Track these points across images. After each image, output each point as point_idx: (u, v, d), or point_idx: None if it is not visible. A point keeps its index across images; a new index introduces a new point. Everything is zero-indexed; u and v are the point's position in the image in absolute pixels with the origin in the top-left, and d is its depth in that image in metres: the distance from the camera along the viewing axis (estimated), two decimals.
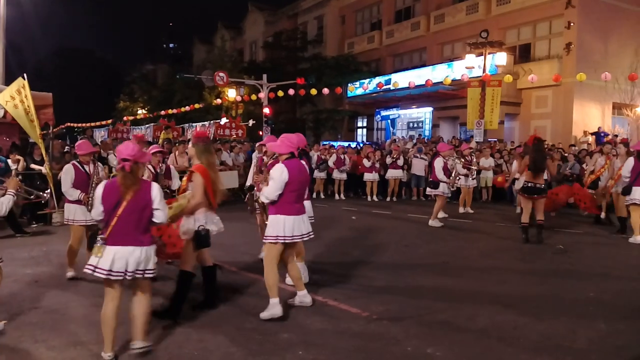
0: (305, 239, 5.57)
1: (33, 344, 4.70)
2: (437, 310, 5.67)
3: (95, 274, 4.23)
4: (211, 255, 8.17)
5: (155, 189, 4.40)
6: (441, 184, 11.29)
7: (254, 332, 4.96)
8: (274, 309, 5.25)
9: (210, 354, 4.49)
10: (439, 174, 11.24)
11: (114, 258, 4.20)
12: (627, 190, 9.49)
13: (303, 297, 5.69)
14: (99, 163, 7.37)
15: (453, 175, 11.50)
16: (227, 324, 5.19)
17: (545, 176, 10.06)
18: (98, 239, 4.27)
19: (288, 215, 5.30)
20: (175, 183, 7.77)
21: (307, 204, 6.67)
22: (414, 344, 4.71)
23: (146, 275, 4.35)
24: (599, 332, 5.04)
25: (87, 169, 6.92)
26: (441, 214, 12.08)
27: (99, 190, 4.37)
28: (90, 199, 6.59)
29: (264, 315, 5.25)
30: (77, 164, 6.96)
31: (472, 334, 4.97)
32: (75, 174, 6.84)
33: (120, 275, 4.22)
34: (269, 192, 5.25)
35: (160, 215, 4.38)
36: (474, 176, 13.58)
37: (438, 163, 11.36)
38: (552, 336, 4.90)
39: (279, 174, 5.19)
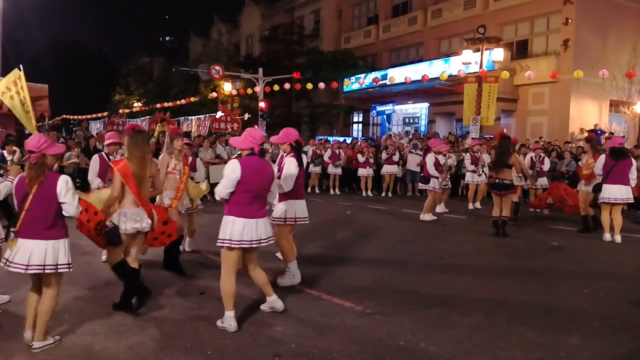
0: (262, 244, 5.02)
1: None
2: (430, 305, 5.68)
3: (9, 268, 4.26)
4: (207, 247, 8.24)
5: (61, 183, 4.25)
6: (432, 179, 11.52)
7: (248, 325, 4.96)
8: (227, 322, 4.85)
9: (204, 346, 4.48)
10: (430, 169, 11.45)
11: (19, 250, 4.21)
12: (597, 188, 9.45)
13: (274, 302, 5.27)
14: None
15: (445, 170, 11.75)
16: (221, 317, 5.16)
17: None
18: (10, 232, 4.27)
19: (238, 217, 4.84)
20: (199, 175, 7.96)
21: (300, 203, 6.20)
22: (407, 338, 4.72)
23: (59, 270, 4.30)
24: (593, 328, 5.05)
25: (111, 159, 7.12)
26: (441, 209, 12.46)
27: (15, 182, 4.41)
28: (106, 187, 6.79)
29: (218, 324, 4.91)
30: (103, 154, 7.34)
31: (466, 330, 4.97)
32: (100, 164, 7.18)
33: (21, 268, 4.20)
34: (219, 190, 4.88)
35: (68, 209, 4.27)
36: (481, 172, 13.36)
37: (429, 159, 11.57)
38: (546, 332, 4.91)
39: (230, 171, 4.80)
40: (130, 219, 5.12)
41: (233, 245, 4.85)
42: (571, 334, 4.87)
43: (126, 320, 5.02)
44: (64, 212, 4.28)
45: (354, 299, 5.77)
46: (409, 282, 6.64)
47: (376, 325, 5.05)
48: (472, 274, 7.12)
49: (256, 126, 24.06)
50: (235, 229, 4.82)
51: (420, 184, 12.57)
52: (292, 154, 5.97)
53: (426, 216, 11.55)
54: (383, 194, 16.26)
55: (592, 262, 7.92)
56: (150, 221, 5.26)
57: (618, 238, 9.31)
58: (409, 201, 14.98)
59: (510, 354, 4.43)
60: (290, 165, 5.84)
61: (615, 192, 9.13)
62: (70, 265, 4.37)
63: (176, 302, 5.57)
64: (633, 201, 9.36)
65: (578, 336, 4.82)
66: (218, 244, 4.94)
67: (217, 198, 5.01)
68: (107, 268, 5.72)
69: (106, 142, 7.44)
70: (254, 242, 4.91)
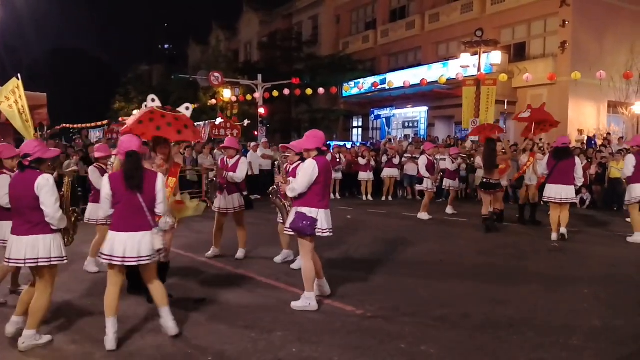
0: (29, 264, 4.51)
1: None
2: (431, 307, 5.67)
3: None
4: (204, 253, 8.25)
5: None
6: (425, 179, 12.32)
7: (247, 330, 4.95)
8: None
9: (203, 352, 4.47)
10: (422, 169, 12.32)
11: None
12: (541, 187, 10.10)
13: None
14: (243, 158, 8.23)
15: (437, 172, 12.46)
16: (220, 322, 5.19)
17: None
18: None
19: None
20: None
21: (130, 238, 4.60)
22: (408, 341, 4.70)
23: None
24: (594, 329, 5.04)
25: (227, 161, 8.00)
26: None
27: None
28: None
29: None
30: (224, 159, 8.17)
31: (467, 331, 4.96)
32: (220, 165, 8.15)
33: None
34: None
35: None
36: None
37: (422, 160, 12.44)
38: (547, 333, 4.90)
39: None
40: None
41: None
42: (573, 334, 4.86)
43: (125, 326, 5.00)
44: None
45: (355, 303, 5.76)
46: (410, 284, 6.63)
47: (377, 328, 5.03)
48: (473, 275, 7.10)
49: (256, 132, 24.09)
50: (8, 245, 4.66)
51: (417, 184, 13.51)
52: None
53: (423, 215, 12.20)
54: (383, 198, 16.25)
55: (593, 263, 7.91)
56: None
57: (563, 230, 9.49)
58: (409, 204, 14.96)
59: (512, 355, 4.42)
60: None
61: (556, 192, 9.33)
62: None
63: (175, 310, 5.54)
64: (576, 201, 9.63)
65: (579, 336, 4.81)
66: None
67: None
68: None
69: (224, 146, 8.32)
70: (13, 261, 4.55)
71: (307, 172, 5.46)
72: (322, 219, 5.61)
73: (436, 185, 12.71)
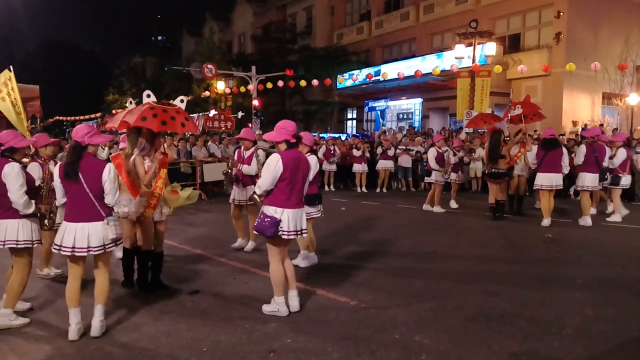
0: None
1: (19, 336, 4.71)
2: (425, 298, 5.69)
3: None
4: (202, 246, 8.25)
5: None
6: (434, 172, 12.13)
7: (242, 321, 4.96)
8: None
9: (198, 343, 4.48)
10: (432, 162, 12.11)
11: None
12: (531, 177, 10.63)
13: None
14: (258, 151, 8.14)
15: (447, 164, 12.29)
16: (215, 314, 5.20)
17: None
18: None
19: None
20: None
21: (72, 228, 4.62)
22: (402, 331, 4.72)
23: None
24: (586, 318, 5.07)
25: (244, 153, 7.98)
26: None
27: None
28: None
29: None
30: (240, 149, 8.18)
31: (460, 322, 4.99)
32: (237, 157, 8.15)
33: None
34: None
35: None
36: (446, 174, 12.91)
37: (431, 153, 12.26)
38: (540, 323, 4.93)
39: None
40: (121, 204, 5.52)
41: None
42: (565, 323, 4.90)
43: (120, 318, 5.02)
44: None
45: (349, 294, 5.78)
46: (404, 275, 6.65)
47: (371, 319, 5.05)
48: (466, 266, 7.13)
49: (250, 124, 24.05)
50: None
51: (426, 177, 13.16)
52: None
53: (437, 208, 12.19)
54: (377, 190, 16.28)
55: (585, 253, 7.95)
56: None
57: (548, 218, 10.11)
58: (403, 196, 15.01)
59: (505, 345, 4.45)
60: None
61: (548, 180, 10.05)
62: None
63: (170, 301, 5.56)
64: (562, 187, 10.36)
65: (572, 326, 4.84)
66: None
67: None
68: None
69: (239, 137, 8.32)
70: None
71: (269, 168, 4.98)
72: (288, 219, 5.03)
73: (446, 178, 12.56)
